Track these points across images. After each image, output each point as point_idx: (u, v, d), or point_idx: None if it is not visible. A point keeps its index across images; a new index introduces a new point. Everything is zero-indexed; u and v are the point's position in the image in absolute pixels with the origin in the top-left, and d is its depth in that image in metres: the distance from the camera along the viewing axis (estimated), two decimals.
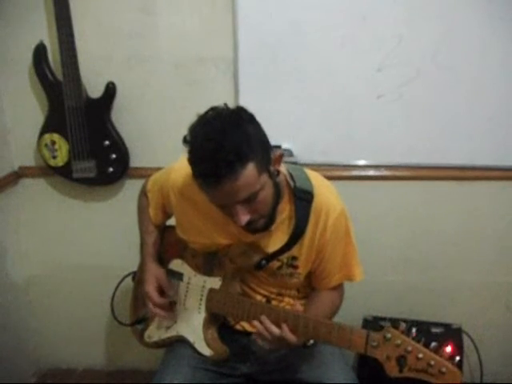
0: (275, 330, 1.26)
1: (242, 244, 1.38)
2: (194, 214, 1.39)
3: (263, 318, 1.28)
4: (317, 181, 1.37)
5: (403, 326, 1.15)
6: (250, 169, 1.15)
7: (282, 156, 1.27)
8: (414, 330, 1.15)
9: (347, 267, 1.42)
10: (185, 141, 1.19)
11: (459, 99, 1.82)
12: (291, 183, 1.34)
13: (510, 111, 1.82)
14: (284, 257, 1.37)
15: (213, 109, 1.21)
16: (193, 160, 1.17)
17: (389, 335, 1.15)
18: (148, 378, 1.52)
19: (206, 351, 1.42)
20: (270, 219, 1.31)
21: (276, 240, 1.36)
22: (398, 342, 1.14)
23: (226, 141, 1.12)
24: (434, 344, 1.12)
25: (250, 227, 1.29)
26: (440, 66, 1.79)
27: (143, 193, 1.60)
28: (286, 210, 1.35)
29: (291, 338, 1.26)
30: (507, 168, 1.88)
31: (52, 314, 2.28)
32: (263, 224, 1.30)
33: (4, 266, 2.10)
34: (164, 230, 1.60)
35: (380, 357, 1.16)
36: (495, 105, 1.82)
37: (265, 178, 1.20)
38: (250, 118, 1.20)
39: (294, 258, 1.38)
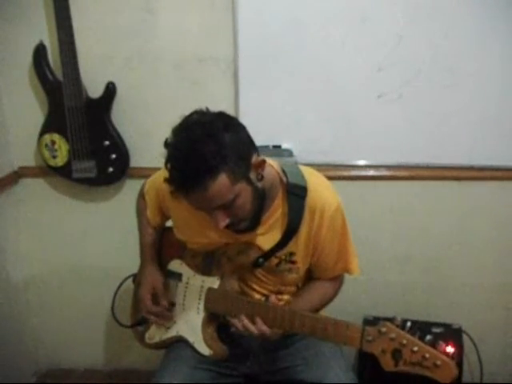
0: (251, 327, 1.29)
1: (239, 242, 1.38)
2: (190, 214, 1.37)
3: (241, 316, 1.30)
4: (311, 176, 1.35)
5: (398, 320, 1.16)
6: (222, 180, 1.13)
7: (264, 162, 1.24)
8: (408, 323, 1.15)
9: (344, 260, 1.42)
10: (165, 144, 1.18)
11: (459, 99, 1.82)
12: (284, 179, 1.33)
13: (509, 111, 1.82)
14: (282, 253, 1.37)
15: (195, 113, 1.19)
16: (166, 166, 1.17)
17: (384, 329, 1.15)
18: (148, 377, 1.52)
19: (206, 351, 1.42)
20: (254, 221, 1.30)
21: (272, 237, 1.35)
22: (393, 335, 1.14)
23: (197, 152, 1.11)
24: (429, 337, 1.12)
25: (233, 229, 1.29)
26: (440, 65, 1.79)
27: (141, 195, 1.60)
28: (280, 207, 1.34)
29: (265, 329, 1.29)
30: (507, 168, 1.88)
31: (52, 314, 2.27)
32: (246, 226, 1.29)
33: (4, 265, 2.10)
34: (163, 231, 1.60)
35: (376, 351, 1.16)
36: (495, 105, 1.82)
37: (241, 186, 1.18)
38: (229, 125, 1.17)
39: (292, 254, 1.37)
